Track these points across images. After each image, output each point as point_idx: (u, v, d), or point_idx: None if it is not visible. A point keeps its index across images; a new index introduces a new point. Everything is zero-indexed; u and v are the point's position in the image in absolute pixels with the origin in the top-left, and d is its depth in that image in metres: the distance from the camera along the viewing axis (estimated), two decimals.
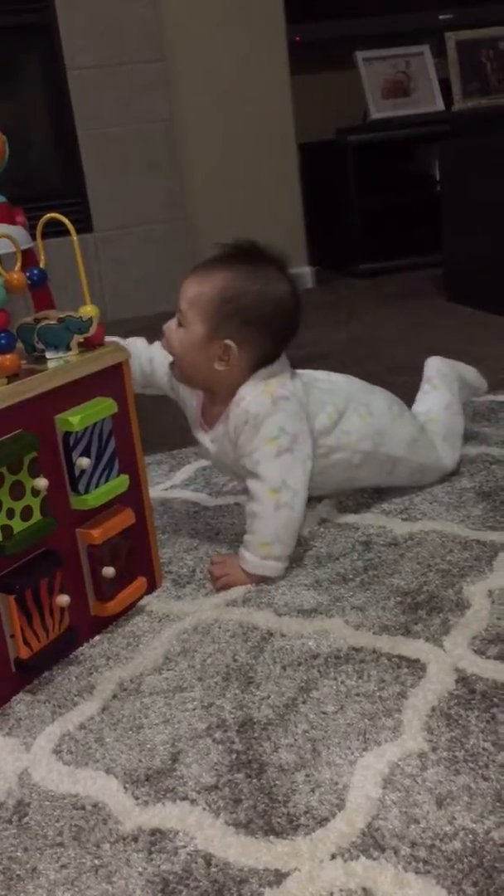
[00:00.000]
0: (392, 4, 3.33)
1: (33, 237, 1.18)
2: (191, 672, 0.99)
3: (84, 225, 2.99)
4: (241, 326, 1.15)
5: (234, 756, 0.85)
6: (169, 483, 1.54)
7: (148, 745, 0.88)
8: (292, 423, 1.17)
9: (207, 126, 3.11)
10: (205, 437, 1.25)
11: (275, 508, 1.15)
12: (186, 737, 0.88)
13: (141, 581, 1.14)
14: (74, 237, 1.07)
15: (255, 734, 0.88)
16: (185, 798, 0.80)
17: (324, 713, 0.89)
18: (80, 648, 1.06)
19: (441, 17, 3.40)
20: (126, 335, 1.29)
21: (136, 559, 1.13)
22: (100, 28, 2.88)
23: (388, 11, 3.33)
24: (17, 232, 1.71)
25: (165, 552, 1.27)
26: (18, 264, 1.09)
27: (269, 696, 0.93)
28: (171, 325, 1.19)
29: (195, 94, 3.08)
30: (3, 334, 0.98)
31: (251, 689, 0.95)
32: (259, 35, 3.08)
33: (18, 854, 0.76)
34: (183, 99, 3.07)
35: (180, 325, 1.17)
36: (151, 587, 1.18)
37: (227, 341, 1.15)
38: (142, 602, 1.15)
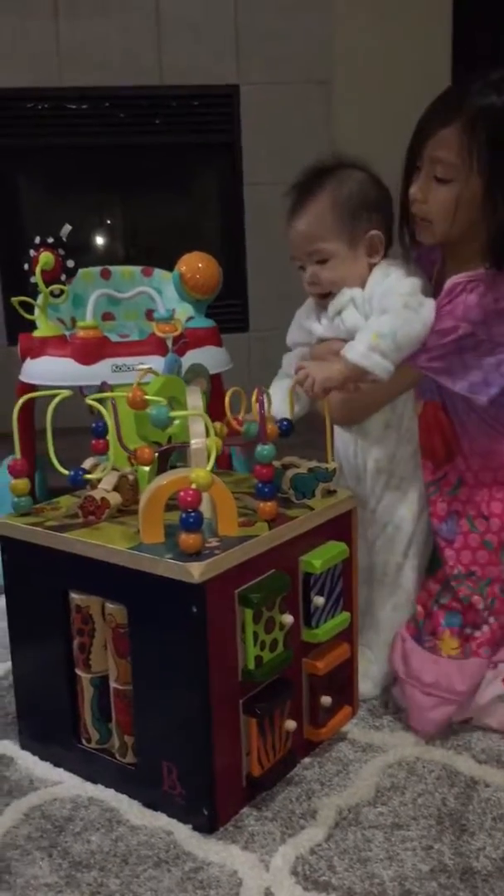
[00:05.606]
0: None
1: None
2: (404, 810, 1.08)
3: (241, 325, 3.19)
4: None
5: None
6: None
7: (377, 880, 0.96)
8: None
9: None
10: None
11: (403, 306, 1.18)
12: (412, 877, 0.97)
13: (347, 710, 1.24)
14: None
15: (478, 885, 0.95)
16: None
17: None
18: (294, 769, 1.16)
19: None
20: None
21: (345, 689, 1.24)
22: (277, 148, 3.11)
23: None
24: (218, 354, 1.88)
25: None
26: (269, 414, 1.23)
27: (484, 847, 1.01)
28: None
29: None
30: (269, 484, 1.11)
31: (465, 837, 1.03)
32: None
33: None
34: None
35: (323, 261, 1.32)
36: (351, 714, 1.27)
37: None
38: (342, 728, 1.25)
